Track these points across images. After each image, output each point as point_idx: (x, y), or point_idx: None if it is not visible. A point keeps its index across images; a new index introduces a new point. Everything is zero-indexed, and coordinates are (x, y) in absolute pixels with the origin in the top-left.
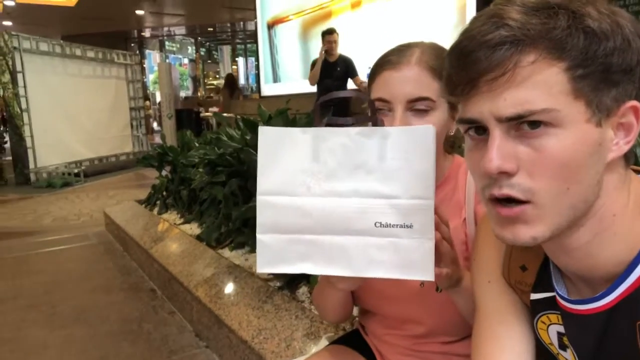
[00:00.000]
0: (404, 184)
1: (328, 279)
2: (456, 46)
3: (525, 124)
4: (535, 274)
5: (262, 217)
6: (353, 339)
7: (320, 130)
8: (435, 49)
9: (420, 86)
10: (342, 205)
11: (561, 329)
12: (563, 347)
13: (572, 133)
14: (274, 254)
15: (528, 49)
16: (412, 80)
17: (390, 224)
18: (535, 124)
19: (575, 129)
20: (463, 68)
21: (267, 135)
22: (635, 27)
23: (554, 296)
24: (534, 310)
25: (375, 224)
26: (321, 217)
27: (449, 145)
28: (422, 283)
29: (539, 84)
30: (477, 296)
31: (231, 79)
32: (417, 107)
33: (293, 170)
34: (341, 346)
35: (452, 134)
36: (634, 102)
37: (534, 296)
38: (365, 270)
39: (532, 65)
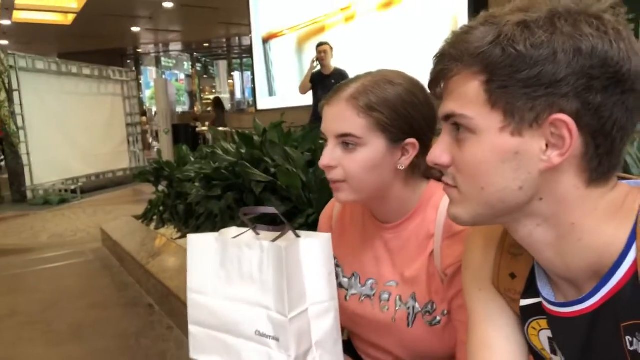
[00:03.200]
0: (274, 297)
1: None
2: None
3: (457, 128)
4: (525, 281)
5: (190, 310)
6: (345, 345)
7: (226, 241)
8: (379, 83)
9: (343, 123)
10: (236, 309)
11: (550, 333)
12: (554, 351)
13: (484, 140)
14: (198, 344)
15: (453, 63)
16: (337, 116)
17: (265, 334)
18: (461, 128)
19: (488, 137)
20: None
21: (193, 241)
22: (589, 42)
23: (541, 301)
24: (524, 317)
25: (255, 332)
26: (223, 317)
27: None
28: (394, 318)
29: (461, 94)
30: (469, 304)
31: (219, 101)
32: (345, 142)
33: (207, 273)
34: None
35: (401, 168)
36: (560, 116)
37: (523, 302)
38: None
39: (455, 77)
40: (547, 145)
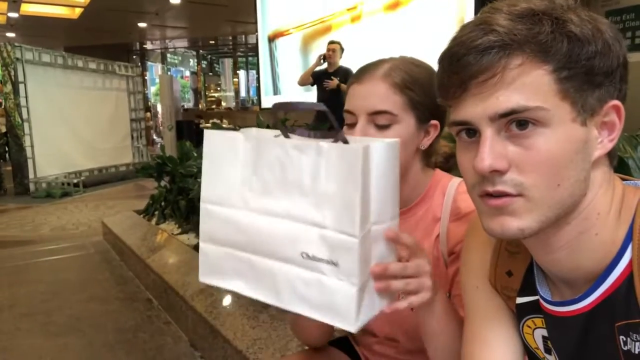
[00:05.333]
0: (335, 212)
1: None
2: (447, 52)
3: (514, 125)
4: (521, 279)
5: (204, 225)
6: (342, 344)
7: (261, 141)
8: (407, 64)
9: (380, 100)
10: (274, 226)
11: (545, 332)
12: (548, 350)
13: (559, 132)
14: (211, 265)
15: (515, 52)
16: (372, 93)
17: (316, 257)
18: (524, 125)
19: (562, 128)
20: (454, 72)
21: (211, 140)
22: (614, 32)
23: (538, 300)
24: (519, 315)
25: (301, 254)
26: (254, 235)
27: (429, 160)
28: None
29: (528, 85)
30: (466, 301)
31: None
32: (378, 120)
33: (234, 180)
34: (329, 347)
35: (423, 148)
36: (615, 102)
37: (520, 300)
38: (291, 304)
39: (519, 67)
40: (598, 132)
